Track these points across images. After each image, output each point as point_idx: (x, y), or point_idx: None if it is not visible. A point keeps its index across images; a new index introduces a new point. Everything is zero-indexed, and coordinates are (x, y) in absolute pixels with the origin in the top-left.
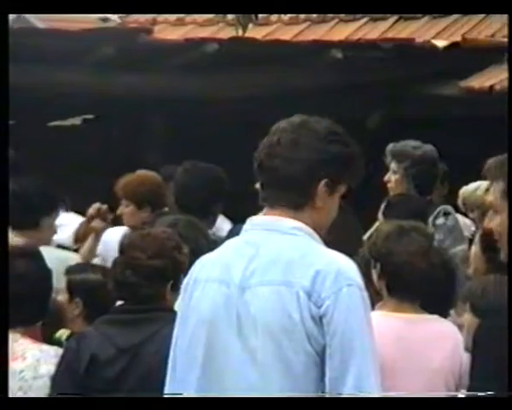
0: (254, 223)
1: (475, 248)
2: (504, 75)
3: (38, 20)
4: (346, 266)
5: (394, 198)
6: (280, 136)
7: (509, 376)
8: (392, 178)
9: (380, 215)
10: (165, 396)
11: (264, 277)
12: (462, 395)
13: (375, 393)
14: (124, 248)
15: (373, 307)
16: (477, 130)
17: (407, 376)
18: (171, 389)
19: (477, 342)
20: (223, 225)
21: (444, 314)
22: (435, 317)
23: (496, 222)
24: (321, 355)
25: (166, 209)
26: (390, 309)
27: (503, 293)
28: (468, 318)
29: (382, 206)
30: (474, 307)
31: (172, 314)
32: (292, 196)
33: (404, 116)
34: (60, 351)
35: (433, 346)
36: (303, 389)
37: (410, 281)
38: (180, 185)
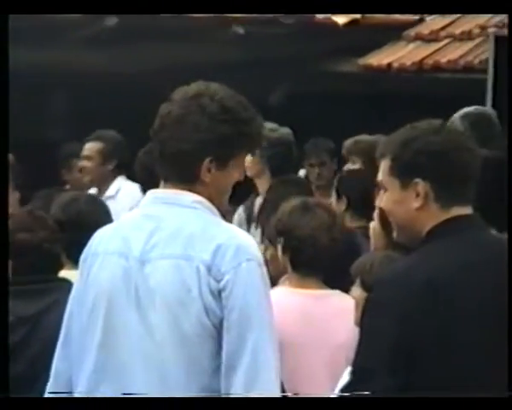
0: (154, 196)
1: (374, 224)
2: (402, 53)
3: None
4: (247, 242)
5: (347, 173)
6: (171, 108)
7: (508, 376)
8: (248, 158)
9: (333, 192)
10: (167, 397)
11: (164, 250)
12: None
13: (271, 366)
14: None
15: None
16: (375, 107)
17: (310, 351)
18: (62, 358)
19: (363, 316)
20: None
21: (347, 290)
22: (337, 292)
23: (385, 200)
24: (218, 329)
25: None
26: (293, 285)
27: (391, 268)
28: (358, 292)
29: (335, 182)
30: (363, 282)
31: (70, 284)
32: (180, 172)
33: (304, 92)
34: None
35: (335, 321)
36: (198, 362)
37: (312, 256)
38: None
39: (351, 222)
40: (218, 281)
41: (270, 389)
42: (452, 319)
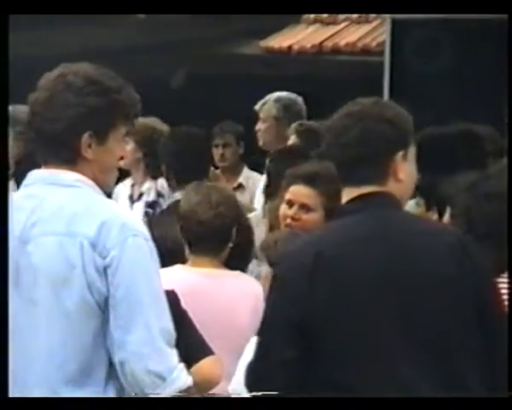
0: (35, 177)
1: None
2: (302, 36)
3: None
4: (132, 218)
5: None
6: (38, 95)
7: (509, 376)
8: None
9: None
10: (166, 397)
11: (46, 228)
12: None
13: (164, 340)
14: None
15: None
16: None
17: (206, 330)
18: None
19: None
20: None
21: (245, 269)
22: (237, 273)
23: None
24: (102, 306)
25: None
26: (190, 264)
27: (291, 245)
28: (264, 268)
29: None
30: (268, 260)
31: None
32: (59, 153)
33: (206, 75)
34: None
35: (236, 303)
36: (83, 339)
37: (197, 232)
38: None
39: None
40: (104, 257)
41: (163, 362)
42: (341, 292)
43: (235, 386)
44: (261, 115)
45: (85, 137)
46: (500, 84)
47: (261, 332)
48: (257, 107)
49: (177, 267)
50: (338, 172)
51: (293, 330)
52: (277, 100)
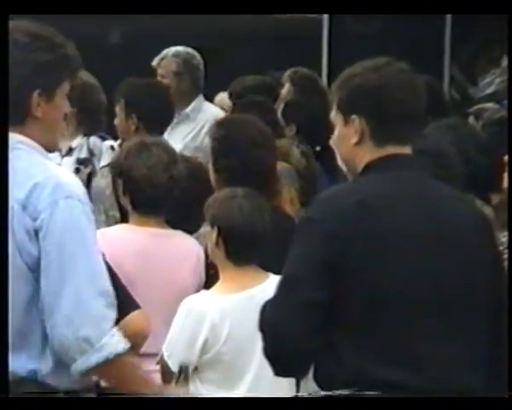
0: None
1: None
2: None
3: None
4: (67, 180)
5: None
6: None
7: (509, 376)
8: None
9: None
10: (168, 397)
11: None
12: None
13: (99, 304)
14: None
15: None
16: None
17: (150, 289)
18: None
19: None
20: None
21: (195, 229)
22: (179, 232)
23: (334, 135)
24: (33, 270)
25: None
26: (134, 223)
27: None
28: (206, 228)
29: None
30: (208, 218)
31: None
32: (12, 112)
33: (142, 33)
34: None
35: (177, 261)
36: (17, 305)
37: (150, 195)
38: None
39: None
40: (34, 219)
41: (93, 327)
42: (382, 243)
43: (168, 346)
44: (160, 71)
45: (35, 95)
46: (434, 39)
47: (289, 273)
48: (154, 62)
49: (122, 227)
50: (379, 129)
51: (326, 271)
52: (176, 55)
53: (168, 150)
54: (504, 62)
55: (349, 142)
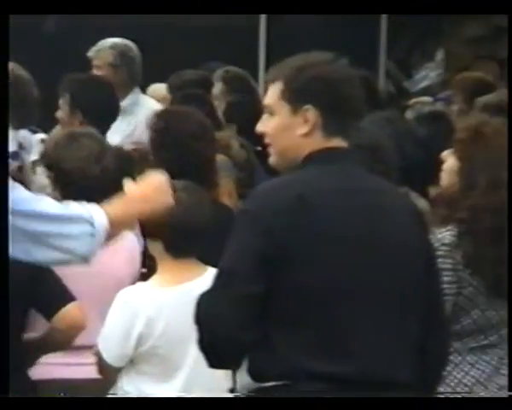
0: None
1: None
2: None
3: None
4: None
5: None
6: None
7: (509, 376)
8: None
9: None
10: (168, 397)
11: None
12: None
13: None
14: None
15: None
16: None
17: (85, 281)
18: None
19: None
20: None
21: None
22: None
23: (271, 124)
24: None
25: None
26: None
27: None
28: None
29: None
30: None
31: None
32: None
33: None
34: None
35: (112, 252)
36: None
37: (83, 187)
38: None
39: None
40: None
41: None
42: (319, 237)
43: (103, 338)
44: (95, 62)
45: None
46: (369, 34)
47: (225, 265)
48: (90, 53)
49: None
50: (331, 121)
51: (262, 264)
52: (113, 46)
53: (98, 141)
54: (439, 56)
55: (294, 132)
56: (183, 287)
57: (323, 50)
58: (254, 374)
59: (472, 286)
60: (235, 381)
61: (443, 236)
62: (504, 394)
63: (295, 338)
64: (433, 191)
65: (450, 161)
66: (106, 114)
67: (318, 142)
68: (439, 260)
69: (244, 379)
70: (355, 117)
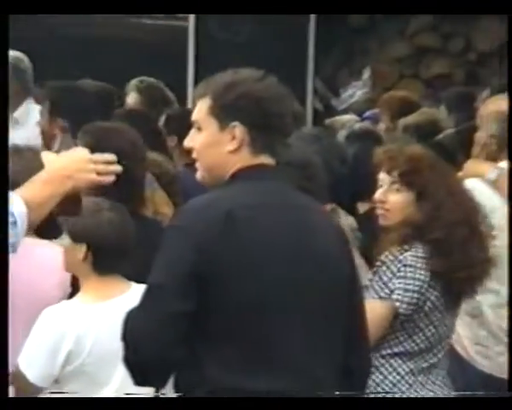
0: None
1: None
2: None
3: None
4: None
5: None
6: None
7: (509, 376)
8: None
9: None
10: (164, 396)
11: None
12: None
13: None
14: None
15: None
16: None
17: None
18: None
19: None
20: None
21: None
22: (46, 242)
23: (199, 140)
24: None
25: None
26: None
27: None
28: (65, 241)
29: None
30: (69, 231)
31: None
32: None
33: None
34: None
35: (43, 274)
36: None
37: None
38: None
39: (180, 159)
40: None
41: None
42: (248, 254)
43: (26, 357)
44: None
45: None
46: (297, 51)
47: (154, 281)
48: None
49: None
50: (258, 139)
51: (191, 282)
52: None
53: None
54: (366, 75)
55: (221, 148)
56: (109, 303)
57: (251, 66)
58: (181, 391)
59: (430, 302)
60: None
61: (404, 257)
62: (504, 394)
63: (223, 355)
64: (363, 207)
65: (397, 196)
66: (86, 121)
67: (246, 158)
68: (400, 280)
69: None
70: (283, 134)
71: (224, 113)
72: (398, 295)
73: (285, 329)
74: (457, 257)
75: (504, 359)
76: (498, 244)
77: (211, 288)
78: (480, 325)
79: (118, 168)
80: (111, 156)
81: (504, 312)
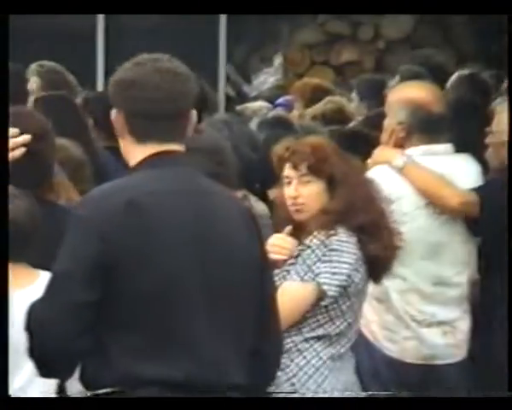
0: None
1: None
2: None
3: None
4: None
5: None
6: None
7: (509, 376)
8: None
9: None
10: (170, 396)
11: None
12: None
13: None
14: None
15: None
16: None
17: None
18: None
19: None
20: None
21: None
22: None
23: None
24: None
25: None
26: None
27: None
28: None
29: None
30: None
31: None
32: None
33: None
34: None
35: None
36: None
37: None
38: None
39: (98, 142)
40: None
41: None
42: (151, 242)
43: None
44: None
45: None
46: (208, 38)
47: (58, 271)
48: None
49: None
50: (142, 127)
51: (95, 271)
52: None
53: None
54: (277, 61)
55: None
56: (17, 294)
57: (161, 52)
58: (86, 382)
59: (354, 285)
60: (62, 390)
61: (329, 241)
62: (504, 394)
63: (127, 344)
64: (272, 194)
65: (309, 188)
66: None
67: (134, 146)
68: (326, 264)
69: (74, 387)
70: (169, 121)
71: (112, 101)
72: (326, 278)
73: (189, 315)
74: (379, 240)
75: (412, 344)
76: (405, 230)
77: (114, 277)
78: (387, 310)
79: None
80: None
81: (411, 297)
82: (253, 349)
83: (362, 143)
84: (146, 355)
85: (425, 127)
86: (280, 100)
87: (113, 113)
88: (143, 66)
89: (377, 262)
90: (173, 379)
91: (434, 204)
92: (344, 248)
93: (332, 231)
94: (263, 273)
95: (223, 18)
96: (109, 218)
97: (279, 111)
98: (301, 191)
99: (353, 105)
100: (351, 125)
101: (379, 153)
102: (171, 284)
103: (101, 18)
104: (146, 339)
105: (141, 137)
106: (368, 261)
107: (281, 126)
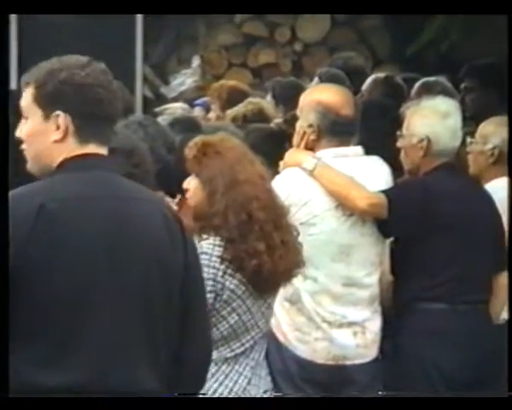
0: None
1: None
2: None
3: None
4: None
5: None
6: None
7: (508, 376)
8: None
9: None
10: (169, 396)
11: None
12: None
13: None
14: None
15: None
16: None
17: None
18: None
19: None
20: None
21: None
22: None
23: (24, 129)
24: None
25: None
26: None
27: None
28: None
29: None
30: None
31: None
32: None
33: None
34: None
35: None
36: None
37: None
38: None
39: None
40: None
41: None
42: (62, 248)
43: None
44: None
45: None
46: (125, 38)
47: None
48: None
49: None
50: (83, 127)
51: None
52: None
53: None
54: (195, 63)
55: (47, 138)
56: None
57: (77, 52)
58: None
59: (229, 290)
60: None
61: (200, 245)
62: (504, 394)
63: (31, 353)
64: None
65: (191, 183)
66: None
67: (72, 148)
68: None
69: None
70: (110, 122)
71: (46, 101)
72: None
73: (96, 323)
74: (242, 245)
75: (323, 344)
76: (315, 232)
77: (18, 285)
78: (298, 311)
79: None
80: None
81: (322, 298)
82: (176, 356)
83: (278, 143)
84: (49, 364)
85: (335, 130)
86: (198, 101)
87: (55, 115)
88: (87, 67)
89: (258, 273)
90: (76, 388)
91: (344, 206)
92: (215, 251)
93: (205, 235)
94: (187, 277)
95: (139, 17)
96: (18, 222)
97: (196, 111)
98: (190, 184)
99: (269, 107)
100: (269, 126)
101: (290, 155)
102: (81, 291)
103: (14, 17)
104: (48, 348)
105: (84, 139)
106: (232, 265)
107: (189, 127)
